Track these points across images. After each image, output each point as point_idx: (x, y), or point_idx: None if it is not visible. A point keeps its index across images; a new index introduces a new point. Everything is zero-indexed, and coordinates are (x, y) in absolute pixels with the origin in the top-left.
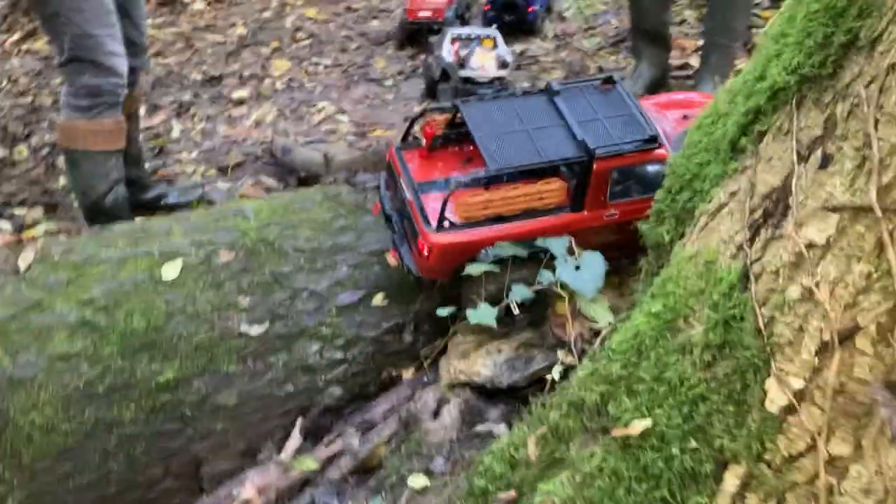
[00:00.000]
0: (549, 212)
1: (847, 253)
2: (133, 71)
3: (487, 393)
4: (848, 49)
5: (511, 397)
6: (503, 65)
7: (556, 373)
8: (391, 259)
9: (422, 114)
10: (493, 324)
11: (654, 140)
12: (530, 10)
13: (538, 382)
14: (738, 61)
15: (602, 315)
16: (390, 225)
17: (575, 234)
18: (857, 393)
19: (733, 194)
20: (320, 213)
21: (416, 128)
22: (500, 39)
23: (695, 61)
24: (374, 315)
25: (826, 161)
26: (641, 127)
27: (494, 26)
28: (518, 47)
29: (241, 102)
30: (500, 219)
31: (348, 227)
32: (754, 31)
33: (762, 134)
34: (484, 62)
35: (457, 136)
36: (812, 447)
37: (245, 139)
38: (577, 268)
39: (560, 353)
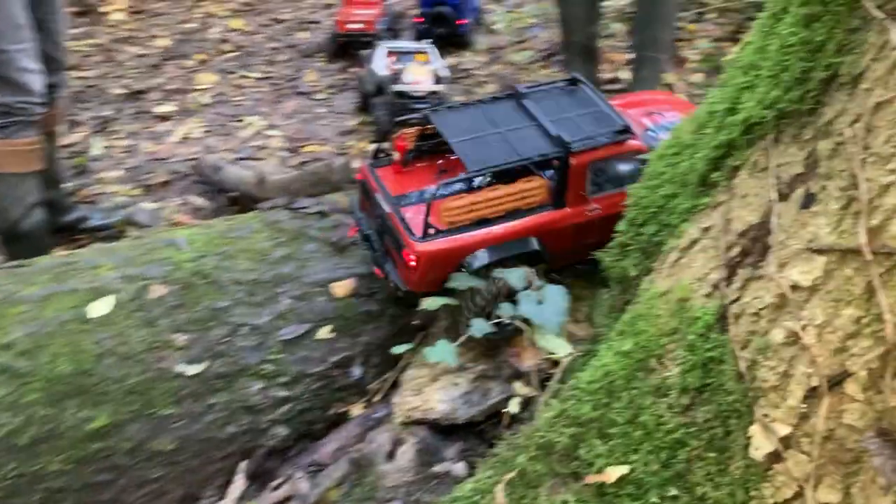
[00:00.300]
0: (531, 211)
1: (835, 296)
2: (51, 88)
3: (443, 429)
4: (828, 85)
5: (468, 433)
6: (439, 79)
7: (513, 406)
8: (339, 289)
9: (393, 129)
10: (453, 362)
11: (627, 131)
12: (462, 22)
13: (495, 416)
14: (664, 74)
15: (559, 347)
16: (369, 245)
17: (559, 233)
18: (846, 439)
19: (706, 230)
20: (259, 242)
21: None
22: (435, 54)
23: (624, 74)
24: (319, 349)
25: (809, 200)
26: (612, 120)
27: (429, 40)
28: (450, 60)
29: (165, 118)
30: (484, 222)
31: (290, 256)
32: (680, 44)
33: (736, 169)
34: (419, 76)
35: (428, 150)
36: (799, 495)
37: (171, 156)
38: (540, 302)
39: (517, 385)
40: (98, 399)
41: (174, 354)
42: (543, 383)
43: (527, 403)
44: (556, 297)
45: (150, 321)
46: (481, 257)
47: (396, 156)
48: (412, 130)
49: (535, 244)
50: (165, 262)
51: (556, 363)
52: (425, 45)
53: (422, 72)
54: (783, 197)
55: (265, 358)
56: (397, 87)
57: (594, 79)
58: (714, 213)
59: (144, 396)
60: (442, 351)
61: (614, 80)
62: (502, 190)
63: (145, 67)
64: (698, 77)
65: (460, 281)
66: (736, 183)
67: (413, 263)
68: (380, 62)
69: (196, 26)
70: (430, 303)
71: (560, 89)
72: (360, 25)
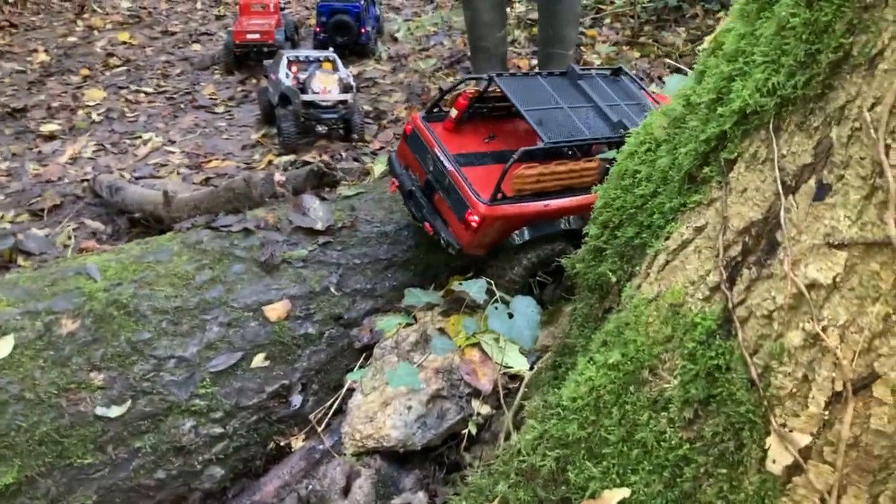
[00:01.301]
0: (584, 190)
1: (859, 294)
2: None
3: (399, 457)
4: (838, 67)
5: (424, 459)
6: (347, 88)
7: (472, 426)
8: (272, 313)
9: (455, 85)
10: (418, 385)
11: None
12: (363, 31)
13: (452, 438)
14: None
15: (517, 361)
16: (413, 201)
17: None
18: (873, 446)
19: (699, 230)
20: (180, 266)
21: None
22: (339, 62)
23: None
24: (254, 379)
25: (823, 192)
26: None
27: (331, 49)
28: (353, 69)
29: (51, 137)
30: (544, 194)
31: (215, 279)
32: (582, 49)
33: (730, 162)
34: (326, 85)
35: (480, 112)
36: None
37: (60, 178)
38: (510, 315)
39: (475, 404)
40: (4, 453)
41: (92, 396)
42: (505, 399)
43: (487, 423)
44: (526, 309)
45: (62, 360)
46: (524, 234)
47: (453, 113)
48: (472, 90)
49: (573, 223)
50: (75, 293)
51: (513, 377)
52: (328, 52)
53: (329, 80)
54: (790, 190)
55: (195, 392)
56: (305, 98)
57: None
58: (707, 211)
59: (59, 445)
60: (404, 375)
61: None
62: (569, 165)
63: (24, 84)
64: None
65: (416, 297)
66: (732, 177)
67: (475, 224)
68: (283, 72)
69: (78, 40)
70: (383, 323)
71: (607, 77)
72: (258, 36)
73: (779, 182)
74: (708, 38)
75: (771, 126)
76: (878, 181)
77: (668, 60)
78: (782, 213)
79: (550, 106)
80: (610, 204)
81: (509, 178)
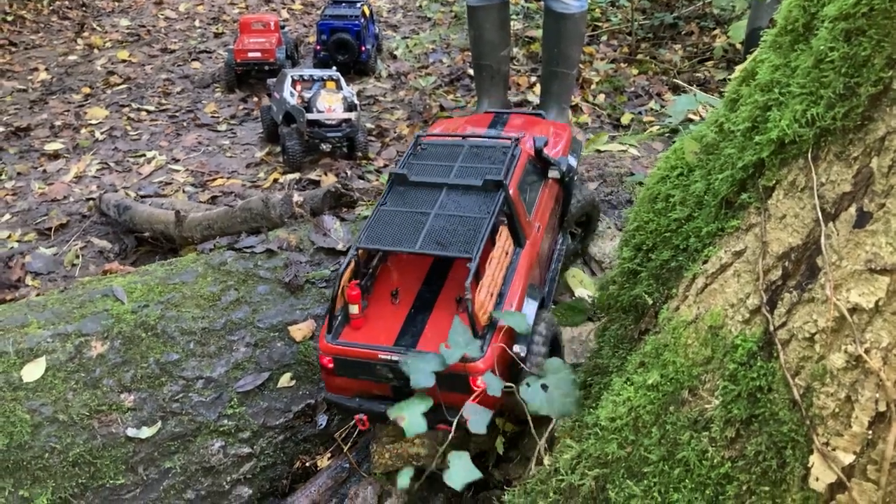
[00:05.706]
0: (512, 264)
1: None
2: None
3: (428, 476)
4: (878, 100)
5: None
6: (351, 106)
7: (499, 445)
8: (298, 333)
9: (336, 291)
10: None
11: (518, 141)
12: (363, 49)
13: (480, 457)
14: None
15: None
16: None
17: (534, 266)
18: None
19: (738, 254)
20: (206, 287)
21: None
22: (342, 81)
23: (531, 97)
24: (281, 399)
25: (864, 219)
26: (494, 148)
27: (333, 68)
28: (354, 88)
29: (56, 156)
30: (499, 297)
31: (241, 299)
32: (580, 65)
33: (769, 189)
34: (331, 104)
35: (366, 283)
36: None
37: (66, 196)
38: (544, 387)
39: (499, 421)
40: (38, 475)
41: (122, 417)
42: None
43: (512, 440)
44: (559, 376)
45: (93, 382)
46: (529, 320)
47: (354, 309)
48: (348, 275)
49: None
50: (103, 315)
51: None
52: (331, 71)
53: (333, 99)
54: (830, 217)
55: (223, 413)
56: (311, 116)
57: (506, 102)
58: (746, 236)
59: (92, 467)
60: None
61: (523, 103)
62: (493, 257)
63: (26, 103)
64: (601, 98)
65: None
66: (770, 204)
67: (483, 385)
68: (288, 91)
69: (78, 58)
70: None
71: (416, 154)
72: (259, 54)
73: (818, 209)
74: (739, 67)
75: (809, 155)
76: None
77: (676, 81)
78: (823, 239)
79: (425, 224)
80: (643, 227)
81: (476, 318)
